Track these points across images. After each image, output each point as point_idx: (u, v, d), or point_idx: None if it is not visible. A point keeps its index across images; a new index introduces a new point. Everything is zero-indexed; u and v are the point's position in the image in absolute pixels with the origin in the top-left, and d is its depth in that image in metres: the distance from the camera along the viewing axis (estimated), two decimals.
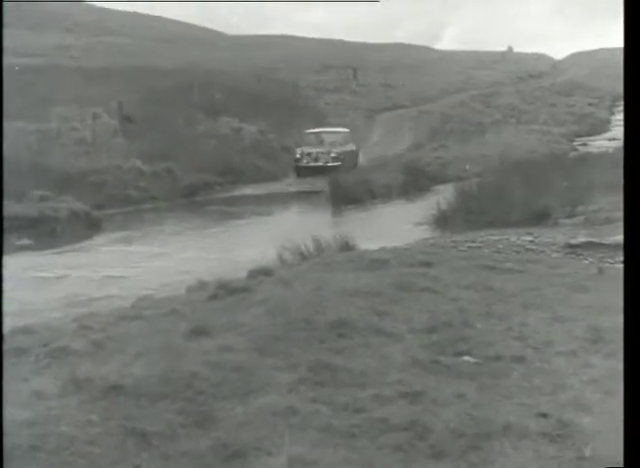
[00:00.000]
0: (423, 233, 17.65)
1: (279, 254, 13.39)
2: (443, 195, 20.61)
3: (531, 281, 10.68)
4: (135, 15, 78.32)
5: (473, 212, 17.96)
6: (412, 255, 12.65)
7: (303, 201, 26.03)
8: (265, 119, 37.25)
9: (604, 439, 5.44)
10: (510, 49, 78.81)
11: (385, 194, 25.55)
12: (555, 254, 13.43)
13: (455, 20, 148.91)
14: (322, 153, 31.39)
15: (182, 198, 26.17)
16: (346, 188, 24.61)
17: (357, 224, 19.63)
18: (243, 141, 34.53)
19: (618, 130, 37.78)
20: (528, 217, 16.66)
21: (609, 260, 12.27)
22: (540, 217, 16.78)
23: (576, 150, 36.71)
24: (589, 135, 43.71)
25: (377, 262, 11.83)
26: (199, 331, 8.24)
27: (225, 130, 35.70)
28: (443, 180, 27.72)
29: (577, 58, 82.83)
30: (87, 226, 20.37)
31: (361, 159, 33.55)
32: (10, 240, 17.42)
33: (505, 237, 14.71)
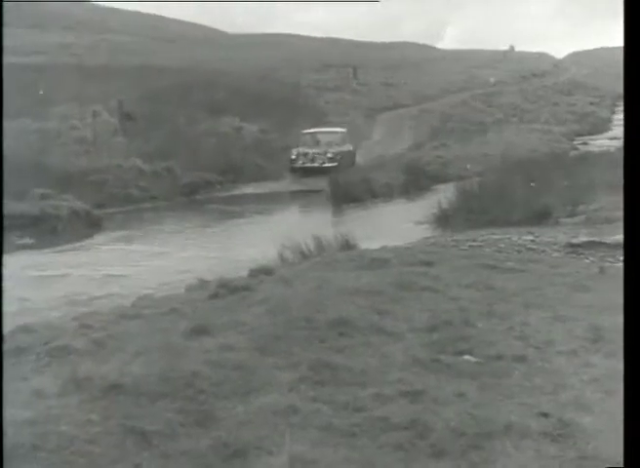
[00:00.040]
0: (424, 232, 17.65)
1: (280, 253, 13.40)
2: (444, 194, 20.60)
3: (532, 280, 10.68)
4: (136, 14, 78.42)
5: (474, 211, 17.95)
6: (412, 255, 12.65)
7: (304, 200, 26.00)
8: (266, 118, 37.21)
9: (605, 438, 5.44)
10: (512, 48, 78.92)
11: (386, 193, 25.53)
12: (556, 254, 13.43)
13: (456, 20, 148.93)
14: (318, 154, 30.93)
15: (183, 197, 26.13)
16: (347, 187, 24.59)
17: (358, 223, 19.61)
18: (244, 140, 34.49)
19: (619, 129, 37.72)
20: (529, 217, 16.66)
21: (610, 260, 12.27)
22: (542, 217, 16.77)
23: (576, 149, 36.72)
24: (590, 134, 43.74)
25: (377, 261, 11.83)
26: (200, 330, 8.23)
27: (226, 128, 35.66)
28: (444, 180, 27.69)
29: (578, 57, 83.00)
30: (87, 225, 20.36)
31: (362, 158, 33.38)
32: (11, 238, 17.43)
33: (507, 236, 14.70)
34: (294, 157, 31.01)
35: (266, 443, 5.59)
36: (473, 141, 35.71)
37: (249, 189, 28.28)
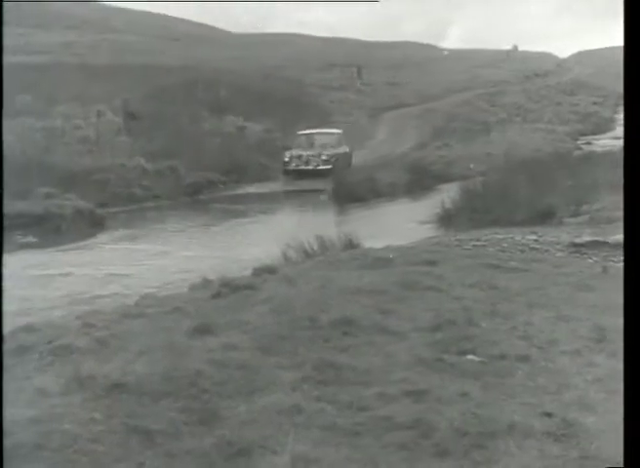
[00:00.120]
0: (428, 232, 17.64)
1: (283, 253, 13.40)
2: (447, 194, 20.58)
3: (535, 280, 10.67)
4: (140, 13, 78.44)
5: (478, 210, 17.93)
6: (416, 254, 12.64)
7: (308, 199, 25.99)
8: (270, 117, 37.22)
9: (608, 438, 5.43)
10: (515, 47, 78.83)
11: (390, 193, 25.49)
12: (560, 253, 13.41)
13: (459, 19, 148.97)
14: (312, 156, 30.12)
15: (186, 196, 26.12)
16: (351, 187, 24.58)
17: (361, 223, 19.60)
18: (247, 140, 34.50)
19: (622, 129, 37.68)
20: (532, 216, 16.63)
21: (613, 259, 12.25)
22: (545, 216, 16.74)
23: (580, 149, 36.68)
24: (594, 133, 43.71)
25: (381, 261, 11.83)
26: (203, 330, 8.23)
27: (230, 128, 35.68)
28: (447, 179, 27.65)
29: (581, 57, 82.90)
30: (91, 224, 20.36)
31: (366, 158, 33.29)
32: (14, 237, 17.45)
33: (510, 236, 14.69)
34: (287, 159, 30.20)
35: (270, 442, 5.59)
36: (477, 141, 35.67)
37: (252, 189, 28.27)
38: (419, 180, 26.91)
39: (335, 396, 6.43)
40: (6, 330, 7.61)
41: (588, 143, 39.12)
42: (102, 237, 19.28)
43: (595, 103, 55.06)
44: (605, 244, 13.31)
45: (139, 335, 8.32)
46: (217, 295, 10.28)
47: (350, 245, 13.97)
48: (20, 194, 19.41)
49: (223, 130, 34.98)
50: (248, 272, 11.97)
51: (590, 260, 12.68)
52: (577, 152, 34.57)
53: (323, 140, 31.55)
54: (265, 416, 6.03)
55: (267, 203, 25.32)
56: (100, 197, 22.85)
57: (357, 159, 32.56)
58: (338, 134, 32.94)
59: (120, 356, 7.45)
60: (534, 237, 14.49)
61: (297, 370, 6.97)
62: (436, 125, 41.55)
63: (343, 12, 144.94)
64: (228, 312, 9.13)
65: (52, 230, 19.19)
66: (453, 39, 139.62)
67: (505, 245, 14.06)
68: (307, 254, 13.42)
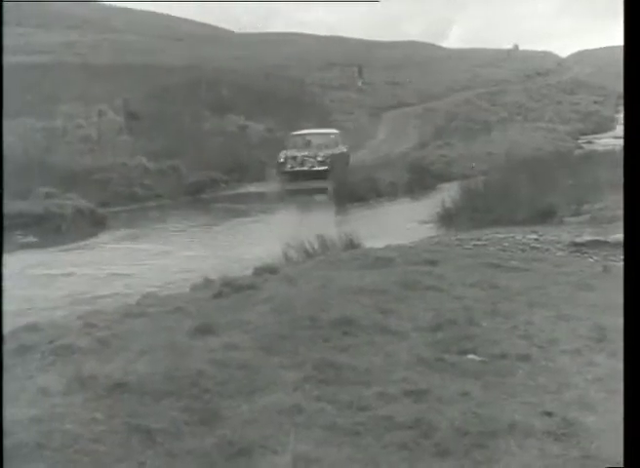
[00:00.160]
0: (429, 231, 17.65)
1: (284, 252, 13.40)
2: (448, 193, 20.59)
3: (536, 279, 10.68)
4: (144, 13, 78.49)
5: (478, 210, 17.93)
6: (417, 254, 12.64)
7: (309, 199, 26.01)
8: (272, 116, 37.26)
9: (609, 438, 5.44)
10: (516, 47, 78.81)
11: (391, 192, 25.51)
12: (560, 253, 13.42)
13: (459, 19, 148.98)
14: (308, 157, 29.52)
15: (188, 196, 26.12)
16: (351, 186, 24.58)
17: (362, 222, 19.60)
18: (249, 139, 34.51)
19: (623, 128, 37.69)
20: (533, 216, 16.63)
21: (614, 259, 12.25)
22: (546, 216, 16.74)
23: (581, 148, 36.69)
24: (595, 132, 43.76)
25: (382, 260, 11.82)
26: (204, 329, 8.24)
27: (232, 127, 35.70)
28: (448, 178, 27.69)
29: (582, 56, 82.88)
30: (92, 224, 20.37)
31: (367, 157, 33.26)
32: (15, 237, 17.47)
33: (511, 235, 14.69)
34: (282, 160, 29.58)
35: (271, 442, 5.60)
36: (478, 140, 35.69)
37: (254, 188, 28.28)
38: (419, 180, 26.92)
39: (335, 396, 6.43)
40: (7, 330, 7.64)
41: (589, 142, 39.16)
42: (104, 236, 19.29)
43: (596, 102, 55.11)
44: (606, 243, 13.31)
45: (140, 335, 8.32)
46: (218, 295, 10.28)
47: (351, 244, 13.97)
48: (20, 194, 19.43)
49: (225, 129, 35.02)
50: (249, 272, 11.97)
51: (591, 260, 12.68)
52: (578, 151, 34.61)
53: (319, 141, 31.01)
54: (266, 416, 6.03)
55: (270, 202, 25.35)
56: (101, 196, 22.87)
57: (358, 158, 32.53)
58: (334, 134, 32.43)
59: (121, 356, 7.46)
60: (534, 236, 14.49)
61: (297, 370, 6.97)
62: (437, 124, 41.60)
63: (343, 12, 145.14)
64: (230, 312, 9.14)
65: (52, 230, 19.20)
66: (453, 39, 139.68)
67: (506, 244, 14.06)
68: (308, 254, 13.42)
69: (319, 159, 29.53)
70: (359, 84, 51.59)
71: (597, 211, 16.55)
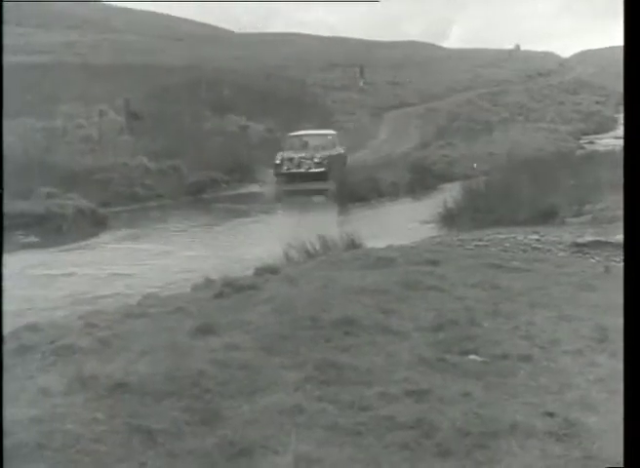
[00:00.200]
0: (430, 231, 17.64)
1: (285, 252, 13.39)
2: (450, 193, 20.59)
3: (537, 280, 10.67)
4: (144, 13, 78.49)
5: (480, 210, 17.93)
6: (418, 254, 12.63)
7: (307, 200, 26.00)
8: (272, 117, 37.25)
9: (610, 438, 5.43)
10: (518, 47, 78.78)
11: (392, 192, 25.50)
12: (562, 253, 13.41)
13: (460, 19, 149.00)
14: (304, 158, 29.26)
15: (189, 196, 26.09)
16: (353, 186, 24.56)
17: (364, 222, 19.59)
18: (250, 139, 34.50)
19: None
20: (535, 216, 16.63)
21: (615, 259, 12.25)
22: (548, 216, 16.74)
23: (583, 148, 36.68)
24: (596, 133, 43.75)
25: (383, 260, 11.82)
26: (205, 330, 8.23)
27: (232, 127, 35.70)
28: (450, 179, 27.69)
29: (584, 57, 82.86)
30: (93, 224, 20.36)
31: (368, 157, 33.21)
32: (16, 237, 17.47)
33: (512, 236, 14.68)
34: (278, 162, 29.30)
35: (272, 442, 5.59)
36: (479, 140, 35.68)
37: (255, 188, 28.28)
38: (421, 180, 26.91)
39: (336, 396, 6.43)
40: (8, 330, 7.63)
41: (591, 143, 39.14)
42: (105, 237, 19.28)
43: (597, 102, 55.13)
44: (607, 244, 13.30)
45: (141, 335, 8.32)
46: (219, 295, 10.27)
47: (352, 245, 13.96)
48: (21, 194, 19.42)
49: (226, 129, 35.01)
50: (250, 272, 11.96)
51: (592, 260, 12.68)
52: (579, 151, 34.59)
53: (316, 142, 30.69)
54: (267, 416, 6.03)
55: (271, 202, 25.35)
56: (102, 196, 22.84)
57: (359, 158, 32.50)
58: (332, 135, 32.21)
59: (122, 356, 7.45)
60: (536, 237, 14.49)
61: (298, 370, 6.96)
62: (438, 124, 41.59)
63: (343, 12, 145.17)
64: (231, 312, 9.13)
65: (54, 230, 19.19)
66: (454, 39, 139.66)
67: (508, 245, 14.06)
68: (309, 254, 13.41)
69: (316, 161, 29.33)
70: (361, 84, 51.56)
71: (599, 211, 16.54)
